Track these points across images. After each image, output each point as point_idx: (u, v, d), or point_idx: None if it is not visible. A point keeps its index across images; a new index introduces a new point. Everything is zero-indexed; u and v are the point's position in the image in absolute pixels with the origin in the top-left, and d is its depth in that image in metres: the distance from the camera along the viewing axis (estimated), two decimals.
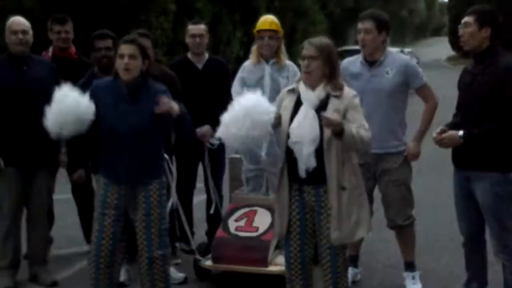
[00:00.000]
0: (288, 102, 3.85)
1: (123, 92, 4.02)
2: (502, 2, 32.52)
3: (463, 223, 4.35)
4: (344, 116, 3.68)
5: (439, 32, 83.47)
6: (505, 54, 4.12)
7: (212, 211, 5.48)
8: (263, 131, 3.78)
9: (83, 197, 5.55)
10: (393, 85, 4.66)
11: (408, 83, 4.72)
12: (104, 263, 4.10)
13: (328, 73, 3.73)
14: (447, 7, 48.62)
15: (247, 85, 5.15)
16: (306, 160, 3.69)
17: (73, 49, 5.64)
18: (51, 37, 5.61)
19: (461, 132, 4.03)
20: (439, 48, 46.33)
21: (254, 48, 5.25)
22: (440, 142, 4.12)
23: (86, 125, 3.91)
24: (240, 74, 5.28)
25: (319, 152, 3.69)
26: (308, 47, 3.73)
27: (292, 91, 3.88)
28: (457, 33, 4.29)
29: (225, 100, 5.49)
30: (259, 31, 5.16)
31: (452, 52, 40.58)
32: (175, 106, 3.99)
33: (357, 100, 3.80)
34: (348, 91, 3.79)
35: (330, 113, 3.59)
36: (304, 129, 3.69)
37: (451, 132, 4.09)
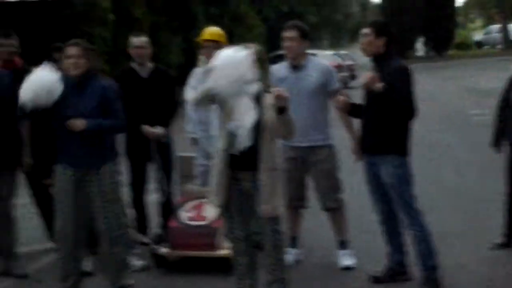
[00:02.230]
0: None
1: (73, 85, 4.54)
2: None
3: (377, 203, 4.93)
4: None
5: None
6: (397, 58, 4.82)
7: (163, 198, 5.87)
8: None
9: (44, 199, 5.76)
10: (315, 86, 5.22)
11: (326, 85, 5.26)
12: (70, 245, 4.55)
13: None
14: (380, 7, 49.07)
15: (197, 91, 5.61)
16: (244, 138, 4.13)
17: (18, 61, 5.78)
18: None
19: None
20: None
21: (200, 56, 5.69)
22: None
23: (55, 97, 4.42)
24: (191, 80, 5.74)
25: (255, 138, 4.14)
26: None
27: None
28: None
29: (170, 104, 5.92)
30: (203, 41, 5.63)
31: None
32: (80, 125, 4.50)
33: None
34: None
35: (282, 90, 4.11)
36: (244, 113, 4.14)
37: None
